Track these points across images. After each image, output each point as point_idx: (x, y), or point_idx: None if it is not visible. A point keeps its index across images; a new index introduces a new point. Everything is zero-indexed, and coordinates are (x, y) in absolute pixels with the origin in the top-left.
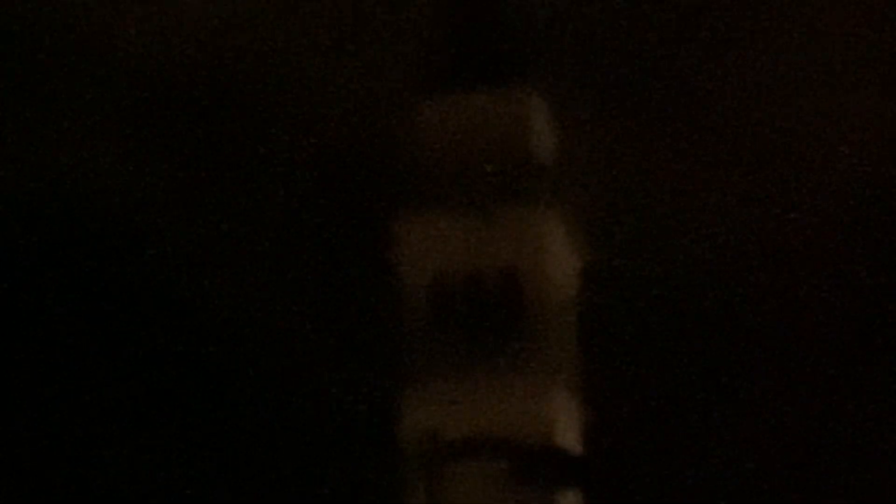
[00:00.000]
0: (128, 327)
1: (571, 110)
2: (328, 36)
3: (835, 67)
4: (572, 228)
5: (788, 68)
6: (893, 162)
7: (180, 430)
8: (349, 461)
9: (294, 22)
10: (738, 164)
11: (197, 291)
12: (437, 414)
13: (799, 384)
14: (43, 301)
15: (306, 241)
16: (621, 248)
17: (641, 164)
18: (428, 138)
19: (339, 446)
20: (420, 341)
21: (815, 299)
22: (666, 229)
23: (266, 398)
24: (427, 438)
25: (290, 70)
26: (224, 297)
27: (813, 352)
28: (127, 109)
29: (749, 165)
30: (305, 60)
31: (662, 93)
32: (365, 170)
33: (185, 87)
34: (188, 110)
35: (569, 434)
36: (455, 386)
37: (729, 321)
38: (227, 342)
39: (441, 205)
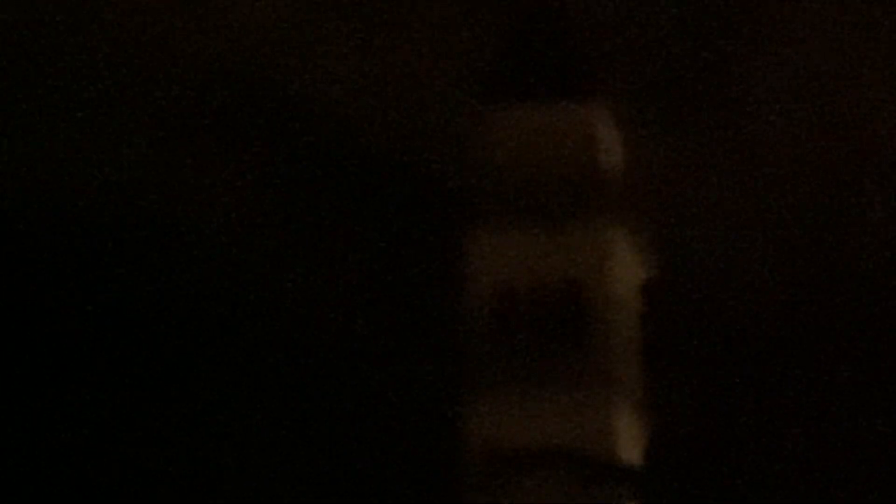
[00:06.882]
0: (193, 338)
1: (638, 123)
2: (394, 48)
3: None
4: (638, 242)
5: (866, 85)
6: None
7: (239, 437)
8: (410, 473)
9: (359, 35)
10: (810, 182)
11: (256, 309)
12: (499, 426)
13: (873, 402)
14: (90, 303)
15: (370, 252)
16: (687, 261)
17: (708, 177)
18: (493, 151)
19: (400, 458)
20: (483, 353)
21: (892, 319)
22: (732, 243)
23: (329, 410)
24: (489, 450)
25: (355, 82)
26: (285, 311)
27: (891, 370)
28: (207, 124)
29: (822, 183)
30: (371, 73)
31: (731, 107)
32: (430, 182)
33: (250, 106)
34: (252, 125)
35: (631, 447)
36: (517, 398)
37: (795, 336)
38: (291, 355)
39: (506, 217)
